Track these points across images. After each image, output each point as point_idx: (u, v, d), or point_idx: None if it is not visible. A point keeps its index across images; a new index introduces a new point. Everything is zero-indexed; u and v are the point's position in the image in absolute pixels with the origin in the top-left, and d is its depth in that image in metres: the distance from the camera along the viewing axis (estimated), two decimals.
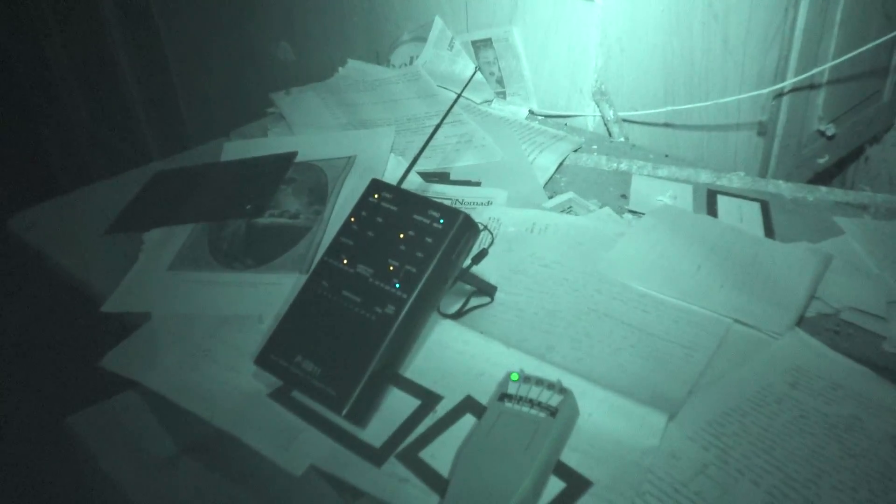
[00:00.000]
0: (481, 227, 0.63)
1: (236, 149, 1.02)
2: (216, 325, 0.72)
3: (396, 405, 0.61)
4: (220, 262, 0.80)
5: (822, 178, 1.55)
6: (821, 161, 1.46)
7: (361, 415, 0.58)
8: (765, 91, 1.22)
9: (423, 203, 0.63)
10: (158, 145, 2.10)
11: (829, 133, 1.41)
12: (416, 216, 0.62)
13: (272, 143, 1.01)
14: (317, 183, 0.90)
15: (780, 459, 0.55)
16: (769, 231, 0.87)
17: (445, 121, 0.92)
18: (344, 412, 0.57)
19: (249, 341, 0.69)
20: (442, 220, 0.61)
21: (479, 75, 1.23)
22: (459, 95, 0.81)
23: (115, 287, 0.79)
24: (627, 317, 0.70)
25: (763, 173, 1.33)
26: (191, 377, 0.66)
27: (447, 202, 0.85)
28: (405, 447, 0.58)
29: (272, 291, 0.75)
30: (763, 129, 1.27)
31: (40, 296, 1.70)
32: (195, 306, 0.75)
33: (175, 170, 1.01)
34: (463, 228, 0.61)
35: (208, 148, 1.08)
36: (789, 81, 1.25)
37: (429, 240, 0.61)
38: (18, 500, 1.33)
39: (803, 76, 1.24)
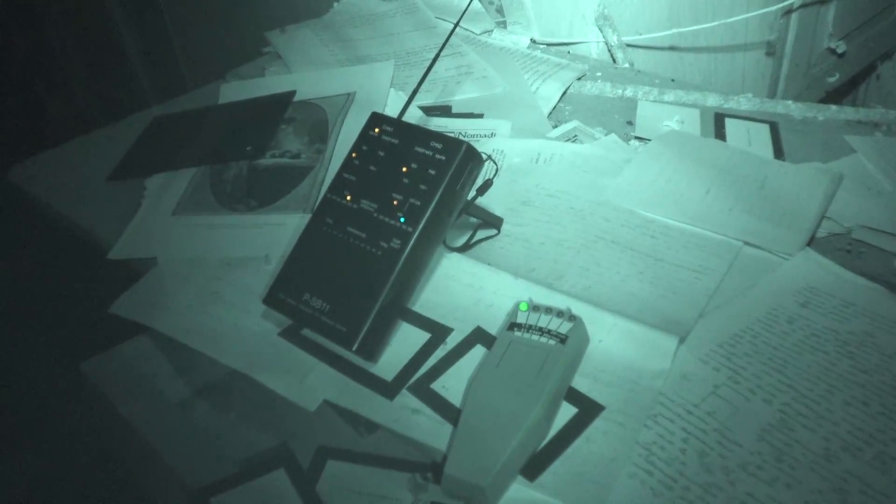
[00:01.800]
0: (485, 157, 0.62)
1: (234, 90, 1.00)
2: (223, 267, 0.72)
3: (406, 339, 0.61)
4: (224, 205, 0.80)
5: (833, 97, 1.52)
6: (831, 80, 1.42)
7: (372, 349, 0.59)
8: (773, 8, 1.18)
9: (425, 135, 0.61)
10: (155, 91, 2.06)
11: (839, 51, 1.38)
12: (417, 148, 0.61)
13: (270, 83, 0.99)
14: (317, 121, 0.88)
15: (792, 378, 0.55)
16: (779, 152, 0.85)
17: (445, 53, 0.90)
18: (354, 347, 0.57)
19: (257, 282, 0.69)
20: (444, 151, 0.60)
21: (478, 4, 1.19)
22: (456, 25, 0.78)
23: (121, 234, 0.78)
24: (635, 243, 0.69)
25: (772, 95, 1.30)
26: (200, 320, 0.66)
27: (450, 134, 0.84)
28: (417, 379, 0.58)
29: (277, 232, 0.74)
30: (771, 49, 1.24)
31: (46, 245, 1.72)
32: (201, 250, 0.74)
33: (173, 114, 0.99)
34: (466, 159, 0.60)
35: (205, 91, 1.06)
36: None
37: (432, 172, 0.60)
38: (39, 447, 1.38)
39: None
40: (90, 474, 0.74)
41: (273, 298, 0.62)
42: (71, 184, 0.89)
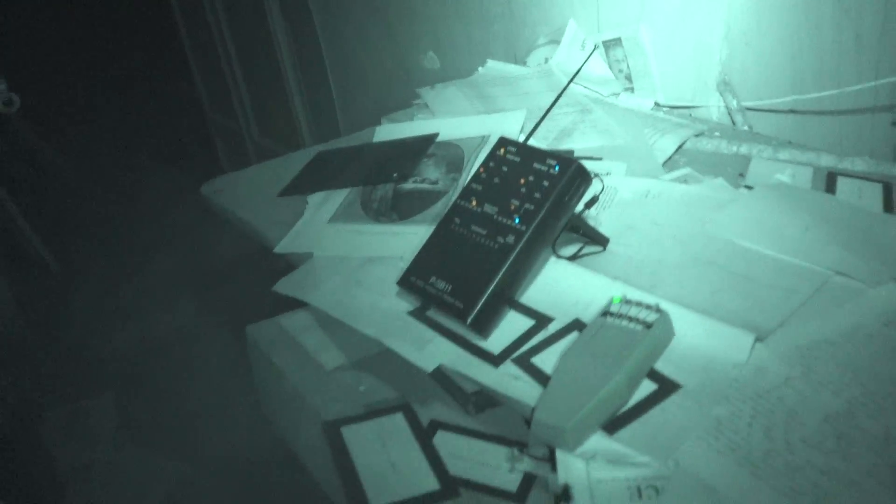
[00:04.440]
0: (593, 175, 0.73)
1: (386, 131, 1.17)
2: (365, 263, 0.86)
3: (513, 324, 0.71)
4: (371, 217, 0.94)
5: None
6: None
7: (483, 325, 0.69)
8: None
9: (542, 154, 0.73)
10: (315, 138, 2.36)
11: None
12: (535, 164, 0.73)
13: (417, 127, 1.15)
14: (454, 157, 1.02)
15: (863, 379, 0.59)
16: (889, 208, 0.88)
17: (573, 109, 1.01)
18: (469, 320, 0.68)
19: (392, 274, 0.81)
20: (557, 167, 0.71)
21: (608, 71, 1.31)
22: (575, 76, 0.91)
23: (285, 235, 0.94)
24: (730, 266, 0.76)
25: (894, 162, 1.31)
26: (345, 299, 0.79)
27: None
28: (519, 354, 0.68)
29: (412, 238, 0.87)
30: None
31: (226, 240, 2.25)
32: (349, 249, 0.89)
33: (334, 149, 1.17)
34: (576, 174, 0.71)
35: (362, 134, 1.24)
36: None
37: (545, 183, 0.71)
38: (209, 398, 1.79)
39: None
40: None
41: (406, 280, 0.74)
42: (248, 197, 1.07)
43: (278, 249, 0.92)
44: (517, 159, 0.75)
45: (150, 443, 1.87)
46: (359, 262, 0.86)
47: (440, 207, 0.92)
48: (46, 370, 2.21)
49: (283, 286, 0.83)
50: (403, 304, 0.77)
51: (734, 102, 1.17)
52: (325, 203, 1.00)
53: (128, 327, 2.39)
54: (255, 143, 2.83)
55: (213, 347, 2.10)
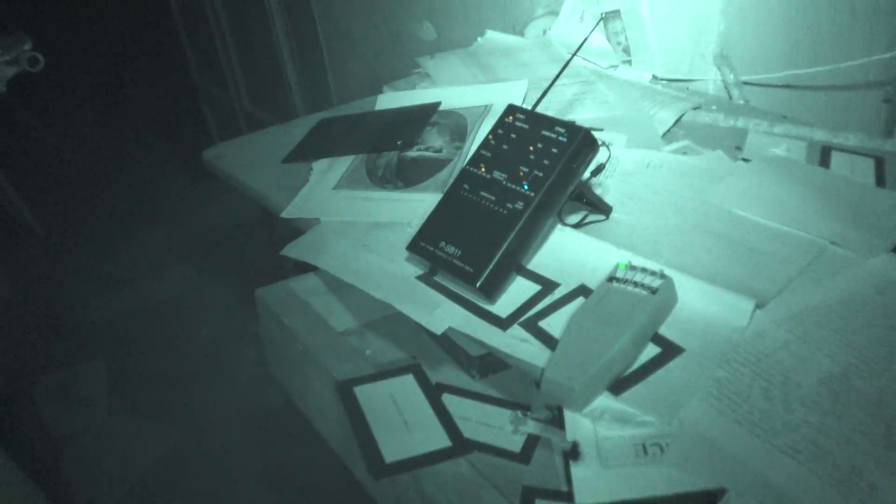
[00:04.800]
0: (600, 143, 0.74)
1: (388, 99, 1.17)
2: (372, 228, 0.87)
3: (520, 289, 0.73)
4: (376, 184, 0.95)
5: None
6: None
7: (492, 289, 0.71)
8: (892, 54, 1.23)
9: (550, 121, 0.74)
10: (308, 107, 2.35)
11: None
12: (544, 132, 0.74)
13: (419, 95, 1.16)
14: (457, 125, 1.03)
15: (857, 344, 0.62)
16: (881, 182, 0.91)
17: (573, 81, 1.03)
18: (478, 284, 0.70)
19: (400, 240, 0.83)
20: (566, 134, 0.73)
21: (606, 44, 1.32)
22: (576, 52, 0.92)
23: (291, 201, 0.95)
24: (729, 234, 0.78)
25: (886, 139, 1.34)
26: (354, 263, 0.81)
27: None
28: (526, 318, 0.70)
29: (418, 205, 0.88)
30: (889, 96, 1.29)
31: (233, 207, 2.33)
32: (355, 214, 0.90)
33: (337, 117, 1.17)
34: (583, 141, 0.72)
35: (364, 102, 1.24)
36: None
37: (554, 150, 0.72)
38: (202, 363, 1.81)
39: None
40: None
41: (415, 245, 0.76)
42: (251, 163, 1.08)
43: (285, 214, 0.93)
44: (526, 126, 0.76)
45: (144, 408, 1.89)
46: (366, 228, 0.87)
47: (445, 175, 0.94)
48: (37, 335, 2.22)
49: (292, 250, 0.85)
50: (411, 269, 0.78)
51: (731, 76, 1.19)
52: (329, 170, 1.01)
53: (120, 295, 2.39)
54: (246, 112, 2.81)
55: (208, 314, 2.12)
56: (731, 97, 1.20)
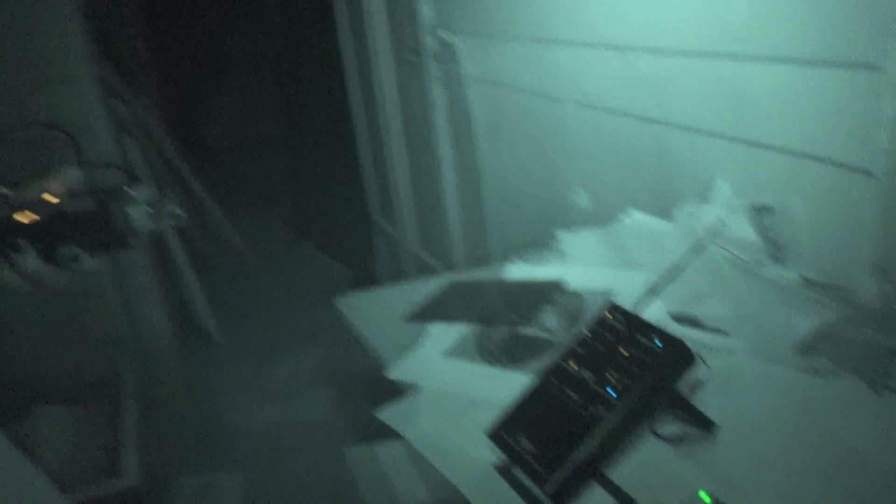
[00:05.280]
0: (699, 361, 0.71)
1: (517, 271, 1.20)
2: (468, 404, 0.87)
3: (596, 500, 0.69)
4: (483, 358, 0.97)
5: None
6: None
7: (564, 497, 0.68)
8: None
9: (648, 328, 0.73)
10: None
11: None
12: (639, 337, 0.72)
13: (544, 270, 1.18)
14: (574, 307, 1.03)
15: None
16: None
17: (708, 271, 0.99)
18: (549, 490, 0.67)
19: (489, 420, 0.82)
20: (661, 344, 0.71)
21: (753, 236, 1.28)
22: (702, 242, 0.90)
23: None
24: (854, 487, 0.69)
25: None
26: (440, 440, 0.81)
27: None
28: None
29: (517, 387, 0.88)
30: None
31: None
32: (455, 386, 0.91)
33: (464, 282, 1.22)
34: (678, 354, 0.70)
35: (494, 269, 1.28)
36: None
37: (646, 359, 0.70)
38: None
39: None
40: None
41: (496, 434, 0.75)
42: (375, 317, 1.14)
43: (390, 375, 0.96)
44: (623, 329, 0.75)
45: None
46: (460, 402, 0.88)
47: (551, 358, 0.93)
48: (185, 437, 2.39)
49: (386, 414, 0.87)
50: (492, 457, 0.77)
51: (889, 289, 1.10)
52: (443, 334, 1.04)
53: (268, 408, 2.54)
54: (411, 254, 2.98)
55: (348, 436, 2.19)
56: (886, 314, 1.10)
